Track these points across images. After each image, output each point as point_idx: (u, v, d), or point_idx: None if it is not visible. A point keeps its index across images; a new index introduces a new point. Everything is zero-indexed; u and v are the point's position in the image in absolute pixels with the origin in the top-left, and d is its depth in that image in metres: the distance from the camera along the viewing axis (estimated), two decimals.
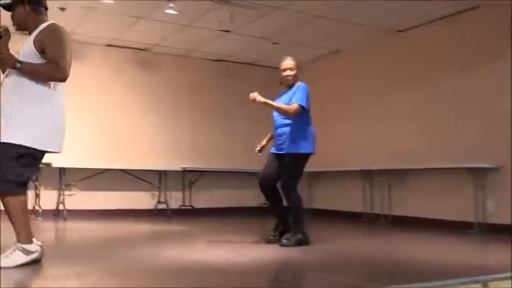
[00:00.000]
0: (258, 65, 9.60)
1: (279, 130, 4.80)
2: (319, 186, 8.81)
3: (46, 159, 7.49)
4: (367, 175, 7.71)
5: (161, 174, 8.33)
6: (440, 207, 6.67)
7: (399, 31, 7.48)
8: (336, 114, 8.34)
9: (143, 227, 6.62)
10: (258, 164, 9.01)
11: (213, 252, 4.30)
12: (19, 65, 3.25)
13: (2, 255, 3.24)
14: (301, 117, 4.69)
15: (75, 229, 6.32)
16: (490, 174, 6.14)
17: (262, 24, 7.20)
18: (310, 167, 8.99)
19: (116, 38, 7.98)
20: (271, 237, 4.79)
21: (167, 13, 6.41)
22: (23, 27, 3.47)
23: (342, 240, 5.48)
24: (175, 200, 8.60)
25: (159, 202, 8.35)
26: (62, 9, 6.55)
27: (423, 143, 6.98)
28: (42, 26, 3.37)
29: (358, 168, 7.63)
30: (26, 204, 3.28)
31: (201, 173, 8.56)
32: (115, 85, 8.35)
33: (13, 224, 3.26)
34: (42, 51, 3.31)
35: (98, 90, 8.19)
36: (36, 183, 7.48)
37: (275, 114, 4.84)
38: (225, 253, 4.27)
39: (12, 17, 3.48)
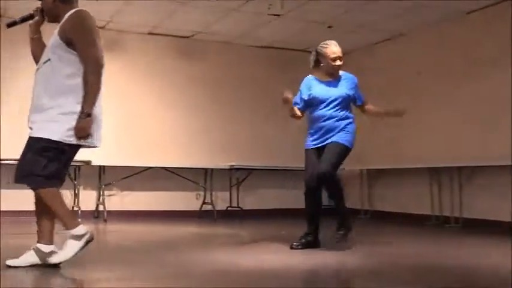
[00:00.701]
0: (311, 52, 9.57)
1: (331, 121, 4.76)
2: (381, 186, 8.73)
3: (86, 156, 7.76)
4: (435, 173, 7.59)
5: (206, 172, 8.45)
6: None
7: (468, 13, 7.31)
8: (402, 104, 8.22)
9: (187, 230, 6.76)
10: None
11: (268, 257, 4.37)
12: (86, 111, 3.37)
13: (60, 252, 3.41)
14: (351, 112, 4.85)
15: (116, 231, 6.52)
16: None
17: (315, 6, 7.19)
18: (370, 164, 8.92)
19: (157, 26, 8.16)
20: (295, 245, 4.74)
21: None
22: (52, 17, 3.59)
23: (410, 245, 5.42)
24: (221, 200, 8.72)
25: (204, 203, 8.49)
26: None
27: (497, 136, 6.80)
28: (67, 14, 3.46)
29: (424, 166, 7.53)
30: (59, 193, 3.45)
31: (250, 171, 8.64)
32: (155, 76, 8.53)
33: (55, 214, 3.45)
34: (67, 43, 3.41)
35: (137, 82, 8.39)
36: (75, 182, 7.75)
37: (327, 103, 4.79)
38: (282, 257, 4.32)
39: (42, 6, 3.60)
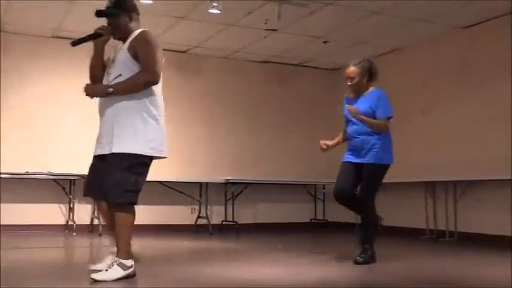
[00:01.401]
0: (307, 66, 9.67)
1: (360, 138, 4.84)
2: (376, 200, 8.72)
3: (81, 170, 7.74)
4: (430, 187, 7.62)
5: (202, 186, 8.45)
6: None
7: (465, 27, 7.40)
8: (395, 118, 8.26)
9: (183, 244, 6.73)
10: (308, 175, 9.16)
11: (266, 272, 4.37)
12: (111, 90, 3.55)
13: (104, 271, 3.49)
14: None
15: (111, 245, 6.48)
16: None
17: (312, 21, 7.26)
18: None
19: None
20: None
21: (210, 12, 6.55)
22: (122, 35, 3.78)
23: (407, 259, 5.43)
24: (216, 214, 8.71)
25: (199, 217, 8.47)
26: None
27: (493, 150, 6.85)
28: (135, 32, 3.70)
29: (419, 180, 7.55)
30: (134, 219, 3.59)
31: (245, 185, 8.65)
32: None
33: (118, 236, 3.55)
34: (135, 57, 3.62)
35: None
36: (70, 196, 7.74)
37: (354, 120, 4.88)
38: (281, 272, 4.33)
39: (113, 25, 3.76)
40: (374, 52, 8.62)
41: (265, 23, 7.33)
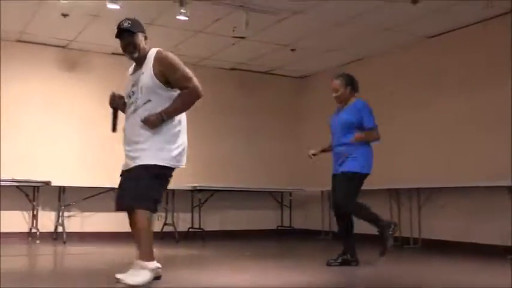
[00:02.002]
0: (275, 74, 9.72)
1: (338, 149, 5.11)
2: None
3: (46, 177, 7.62)
4: (394, 194, 7.73)
5: (168, 193, 8.39)
6: (476, 230, 6.67)
7: (430, 37, 7.55)
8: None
9: None
10: (275, 182, 9.19)
11: (234, 279, 4.38)
12: (165, 116, 3.72)
13: (129, 275, 3.62)
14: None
15: (76, 254, 6.41)
16: None
17: (279, 30, 7.31)
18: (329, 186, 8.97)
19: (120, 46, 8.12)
20: (332, 261, 5.03)
21: (178, 19, 6.54)
22: (141, 55, 3.88)
23: (373, 265, 5.48)
24: (183, 221, 8.67)
25: (165, 224, 8.41)
26: (65, 15, 6.72)
27: (456, 158, 7.00)
28: (151, 55, 3.83)
29: (384, 187, 7.65)
30: (152, 223, 3.80)
31: (212, 192, 8.62)
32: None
33: (139, 241, 3.73)
34: (165, 82, 3.77)
35: (101, 102, 8.29)
36: (34, 203, 7.61)
37: (335, 131, 5.18)
38: (248, 279, 4.34)
39: (132, 44, 3.87)
40: (341, 60, 8.74)
41: (233, 31, 7.36)
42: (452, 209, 7.01)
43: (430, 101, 7.55)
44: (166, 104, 3.75)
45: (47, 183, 7.43)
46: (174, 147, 3.78)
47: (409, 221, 7.52)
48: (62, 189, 7.73)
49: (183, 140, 3.89)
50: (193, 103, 3.83)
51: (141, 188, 3.65)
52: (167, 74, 3.76)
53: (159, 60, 3.79)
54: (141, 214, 3.67)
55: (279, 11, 6.65)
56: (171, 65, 3.79)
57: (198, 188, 8.42)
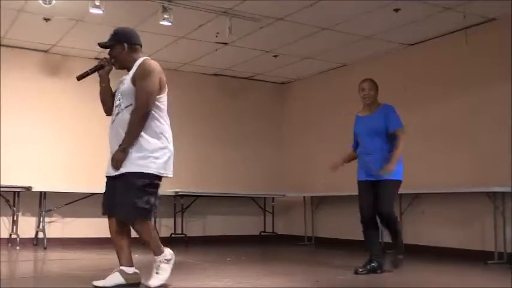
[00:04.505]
0: (258, 80, 9.74)
1: (372, 156, 5.05)
2: (323, 213, 8.84)
3: (26, 182, 7.54)
4: None
5: None
6: (456, 235, 6.73)
7: (411, 44, 7.61)
8: (339, 133, 8.40)
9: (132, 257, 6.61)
10: (257, 188, 9.19)
11: (216, 284, 4.35)
12: (125, 145, 3.74)
13: (152, 278, 3.84)
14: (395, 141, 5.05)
15: (57, 259, 6.33)
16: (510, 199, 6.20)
17: (262, 36, 7.33)
18: (314, 191, 9.04)
19: (104, 51, 8.06)
20: (361, 270, 4.98)
21: (161, 24, 6.51)
22: (122, 65, 4.00)
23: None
24: (165, 227, 8.63)
25: None
26: (47, 19, 6.67)
27: (436, 164, 7.05)
28: (137, 63, 3.89)
29: None
30: (152, 226, 3.96)
31: (195, 197, 8.60)
32: (99, 103, 8.40)
33: (148, 244, 3.89)
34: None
35: (83, 106, 8.24)
36: (14, 208, 7.51)
37: (364, 137, 5.14)
38: (231, 285, 4.32)
39: (111, 56, 4.00)
40: (323, 67, 8.80)
41: (216, 36, 7.35)
42: (435, 215, 7.06)
43: (411, 108, 7.59)
44: None
45: (28, 188, 7.35)
46: (161, 155, 3.82)
47: None
48: (43, 195, 7.65)
49: (169, 147, 3.92)
50: (142, 121, 3.76)
51: (134, 199, 3.71)
52: (136, 79, 3.82)
53: (137, 68, 3.87)
54: (140, 226, 3.81)
55: (262, 17, 6.67)
56: (140, 75, 3.83)
57: (180, 193, 8.39)
